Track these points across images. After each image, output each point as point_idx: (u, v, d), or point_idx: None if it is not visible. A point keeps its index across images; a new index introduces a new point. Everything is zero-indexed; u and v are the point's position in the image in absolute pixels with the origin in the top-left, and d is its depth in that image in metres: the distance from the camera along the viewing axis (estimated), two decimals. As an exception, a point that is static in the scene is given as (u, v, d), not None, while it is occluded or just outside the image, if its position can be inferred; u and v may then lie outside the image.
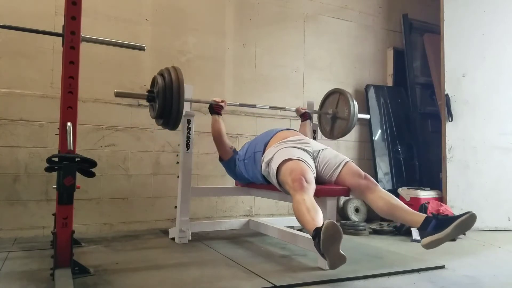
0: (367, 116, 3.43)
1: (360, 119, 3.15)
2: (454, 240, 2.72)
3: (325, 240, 1.56)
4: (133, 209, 3.01)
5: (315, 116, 3.27)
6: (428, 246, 1.84)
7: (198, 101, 2.76)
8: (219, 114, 2.67)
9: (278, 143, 2.30)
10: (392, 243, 2.75)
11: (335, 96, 3.08)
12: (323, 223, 1.59)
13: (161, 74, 2.27)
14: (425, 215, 1.92)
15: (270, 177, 2.24)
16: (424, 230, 1.86)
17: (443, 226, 1.79)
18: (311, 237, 1.70)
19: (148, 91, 2.30)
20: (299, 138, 2.37)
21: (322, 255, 1.61)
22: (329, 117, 3.10)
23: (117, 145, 2.97)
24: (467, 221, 1.78)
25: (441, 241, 1.80)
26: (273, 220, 2.97)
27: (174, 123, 2.27)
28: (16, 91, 2.69)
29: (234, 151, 2.73)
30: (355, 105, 2.91)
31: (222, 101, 2.68)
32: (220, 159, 2.76)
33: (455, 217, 1.81)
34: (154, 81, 2.31)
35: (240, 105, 2.98)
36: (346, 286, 1.79)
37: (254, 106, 3.05)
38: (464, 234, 2.96)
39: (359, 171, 2.17)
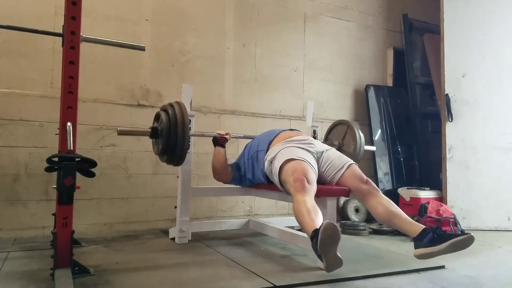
0: (373, 148, 3.39)
1: (366, 150, 3.06)
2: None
3: (322, 241, 1.56)
4: (133, 209, 3.01)
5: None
6: (420, 257, 1.86)
7: (202, 135, 2.72)
8: (223, 146, 2.62)
9: (282, 143, 2.30)
10: (392, 243, 2.75)
11: (343, 127, 3.04)
12: (322, 223, 1.59)
13: (164, 109, 2.24)
14: (424, 226, 1.92)
15: (272, 176, 2.24)
16: (419, 240, 1.87)
17: (439, 241, 1.80)
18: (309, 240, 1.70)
19: (152, 128, 2.26)
20: (303, 138, 2.36)
21: (319, 256, 1.62)
22: (335, 148, 3.06)
23: (117, 145, 2.97)
24: (464, 241, 1.77)
25: (433, 255, 1.81)
26: (273, 220, 2.97)
27: (178, 159, 2.23)
28: (16, 91, 2.69)
29: (233, 168, 2.65)
30: (362, 140, 2.87)
31: (226, 134, 2.65)
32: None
33: (453, 235, 1.81)
34: (157, 117, 2.28)
35: (245, 137, 2.92)
36: (346, 286, 1.79)
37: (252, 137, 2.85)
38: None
39: (362, 175, 2.17)
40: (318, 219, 1.77)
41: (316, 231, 1.62)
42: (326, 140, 3.15)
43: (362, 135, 2.91)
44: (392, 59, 4.24)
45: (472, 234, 1.78)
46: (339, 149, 2.98)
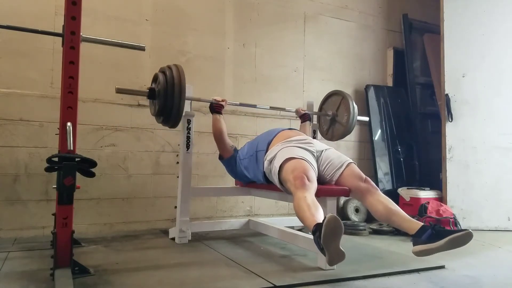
0: (366, 119, 3.39)
1: (359, 121, 3.12)
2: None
3: (326, 234, 1.56)
4: (133, 209, 3.01)
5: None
6: (418, 254, 1.86)
7: (199, 100, 2.76)
8: (219, 113, 2.67)
9: (282, 142, 2.30)
10: (392, 243, 2.75)
11: (337, 98, 3.05)
12: (325, 217, 1.59)
13: (162, 71, 2.26)
14: (422, 223, 1.92)
15: (271, 176, 2.24)
16: (418, 237, 1.87)
17: (437, 237, 1.80)
18: (311, 234, 1.70)
19: (149, 89, 2.28)
20: (303, 138, 2.37)
21: (322, 250, 1.61)
22: (328, 118, 3.10)
23: (117, 145, 2.97)
24: (463, 238, 1.77)
25: (432, 251, 1.81)
26: (273, 220, 2.97)
27: (174, 121, 2.27)
28: (16, 91, 2.69)
29: (235, 150, 2.73)
30: (355, 112, 2.90)
31: (222, 100, 2.68)
32: (220, 158, 2.76)
33: (452, 231, 1.82)
34: (155, 78, 2.30)
35: (241, 104, 2.97)
36: (346, 286, 1.79)
37: (254, 106, 3.02)
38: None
39: (361, 174, 2.18)
40: (318, 214, 1.77)
41: (318, 225, 1.62)
42: (320, 110, 3.18)
43: (355, 106, 2.93)
44: (392, 59, 4.23)
45: (470, 230, 1.78)
46: (333, 119, 3.04)
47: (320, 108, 3.20)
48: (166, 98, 2.17)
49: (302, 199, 1.86)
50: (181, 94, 2.16)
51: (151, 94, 2.27)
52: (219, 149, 2.73)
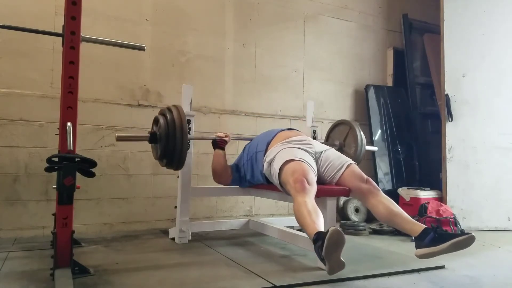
0: (375, 148, 3.36)
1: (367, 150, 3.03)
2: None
3: (328, 247, 1.57)
4: (133, 209, 3.01)
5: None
6: (421, 257, 1.86)
7: (202, 138, 2.73)
8: (223, 149, 2.61)
9: (281, 143, 2.29)
10: (392, 243, 2.75)
11: (345, 128, 3.03)
12: (328, 230, 1.59)
13: (162, 113, 2.22)
14: (424, 226, 1.92)
15: (271, 177, 2.23)
16: (420, 240, 1.87)
17: (440, 240, 1.80)
18: (311, 242, 1.70)
19: (150, 133, 2.24)
20: (302, 138, 2.35)
21: (322, 260, 1.62)
22: (335, 148, 3.05)
23: (117, 145, 2.97)
24: (465, 241, 1.78)
25: (434, 254, 1.82)
26: (273, 220, 2.97)
27: (178, 164, 2.22)
28: (16, 91, 2.69)
29: (233, 169, 2.65)
30: (363, 143, 2.87)
31: (226, 136, 2.64)
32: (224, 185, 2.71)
33: (454, 235, 1.82)
34: (156, 121, 2.26)
35: (245, 138, 2.91)
36: (346, 286, 1.79)
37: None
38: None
39: (362, 174, 2.17)
40: (319, 221, 1.77)
41: (319, 235, 1.63)
42: (327, 140, 3.14)
43: (363, 136, 2.90)
44: (392, 59, 4.24)
45: (473, 233, 1.78)
46: (340, 149, 2.97)
47: (327, 137, 3.18)
48: (168, 142, 2.12)
49: (303, 204, 1.85)
50: (183, 137, 2.11)
51: (152, 138, 2.22)
52: (219, 181, 2.63)
